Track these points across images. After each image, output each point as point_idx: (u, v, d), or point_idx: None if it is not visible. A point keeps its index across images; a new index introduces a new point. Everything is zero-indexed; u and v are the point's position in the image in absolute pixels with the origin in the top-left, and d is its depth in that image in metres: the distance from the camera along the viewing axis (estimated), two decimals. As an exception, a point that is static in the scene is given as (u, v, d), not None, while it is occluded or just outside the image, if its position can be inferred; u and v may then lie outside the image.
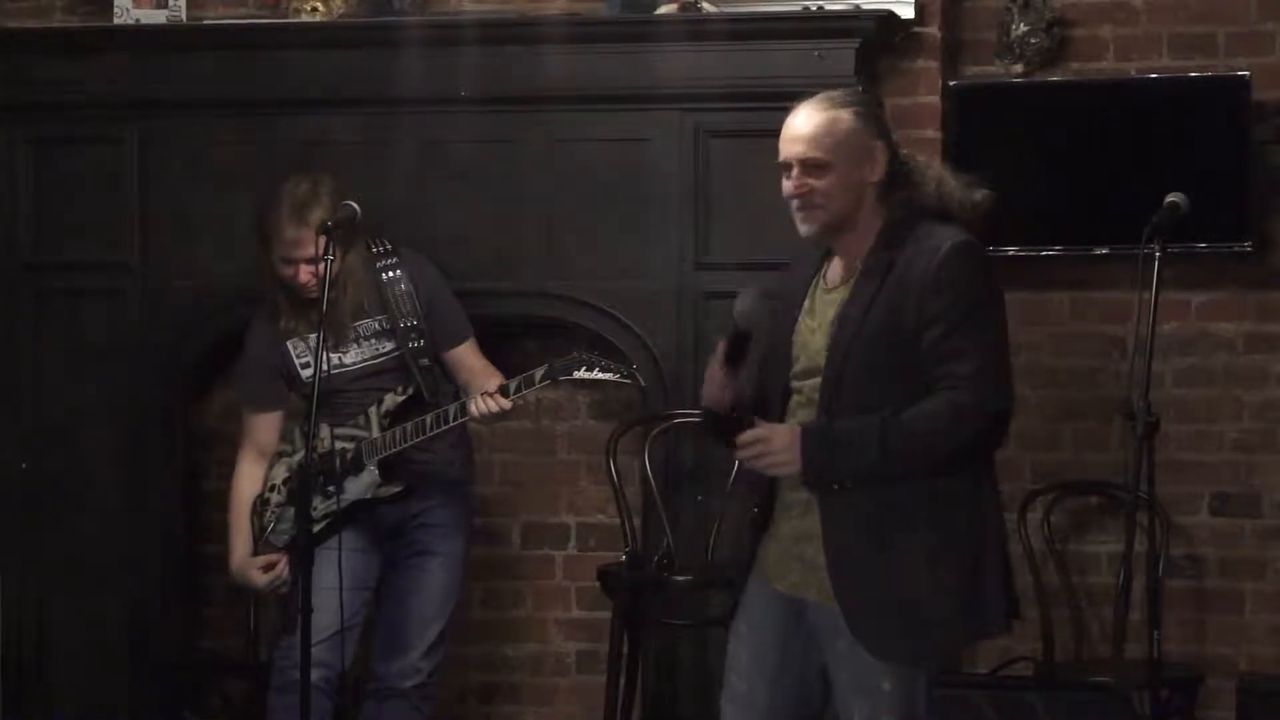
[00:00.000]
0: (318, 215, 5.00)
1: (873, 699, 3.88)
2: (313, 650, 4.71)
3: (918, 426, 3.78)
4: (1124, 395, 4.82)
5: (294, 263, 5.08)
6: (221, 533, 6.12)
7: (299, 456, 5.05)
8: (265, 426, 5.27)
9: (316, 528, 5.07)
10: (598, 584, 5.56)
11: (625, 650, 5.47)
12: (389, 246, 5.22)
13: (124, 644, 5.93)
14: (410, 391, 5.12)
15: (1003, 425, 3.87)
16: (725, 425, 3.95)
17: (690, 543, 5.54)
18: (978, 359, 3.80)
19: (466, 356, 5.24)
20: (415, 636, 5.15)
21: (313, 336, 5.01)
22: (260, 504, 5.25)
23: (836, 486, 3.84)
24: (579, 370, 4.97)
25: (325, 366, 4.81)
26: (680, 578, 5.35)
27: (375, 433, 5.10)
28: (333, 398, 5.05)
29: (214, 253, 5.86)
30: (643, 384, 5.46)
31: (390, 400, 5.12)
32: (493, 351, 5.35)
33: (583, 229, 5.69)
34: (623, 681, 5.47)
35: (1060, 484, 5.80)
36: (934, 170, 4.04)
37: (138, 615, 5.93)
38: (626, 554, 5.49)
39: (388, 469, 5.11)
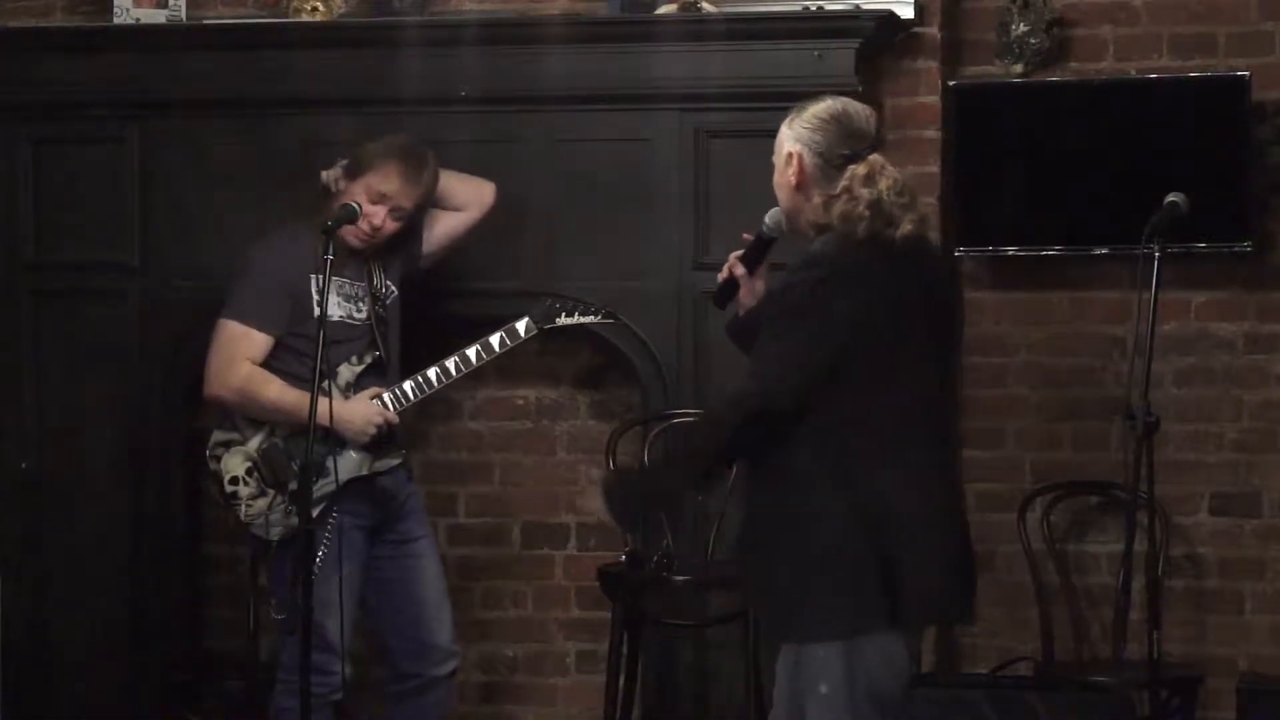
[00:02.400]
0: (424, 177, 5.14)
1: (781, 674, 4.05)
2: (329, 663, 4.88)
3: (687, 431, 4.04)
4: (1124, 395, 4.82)
5: (382, 202, 5.10)
6: (222, 533, 6.14)
7: (253, 444, 5.06)
8: (263, 347, 5.10)
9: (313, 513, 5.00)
10: (598, 584, 5.55)
11: (625, 650, 5.47)
12: None
13: (124, 644, 5.93)
14: (369, 360, 5.14)
15: (756, 415, 3.93)
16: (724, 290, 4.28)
17: (690, 543, 5.54)
18: (756, 361, 3.98)
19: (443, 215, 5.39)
20: (436, 623, 5.20)
21: (340, 278, 5.06)
22: (226, 498, 5.17)
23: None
24: (560, 317, 5.04)
25: (325, 368, 4.80)
26: (680, 578, 5.35)
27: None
28: (298, 353, 5.05)
29: (214, 253, 5.84)
30: (623, 320, 5.50)
31: (348, 371, 5.13)
32: (493, 351, 5.37)
33: (583, 229, 5.69)
34: (623, 681, 5.47)
35: (1060, 484, 5.81)
36: (854, 178, 4.00)
37: (138, 615, 5.92)
38: (626, 554, 5.49)
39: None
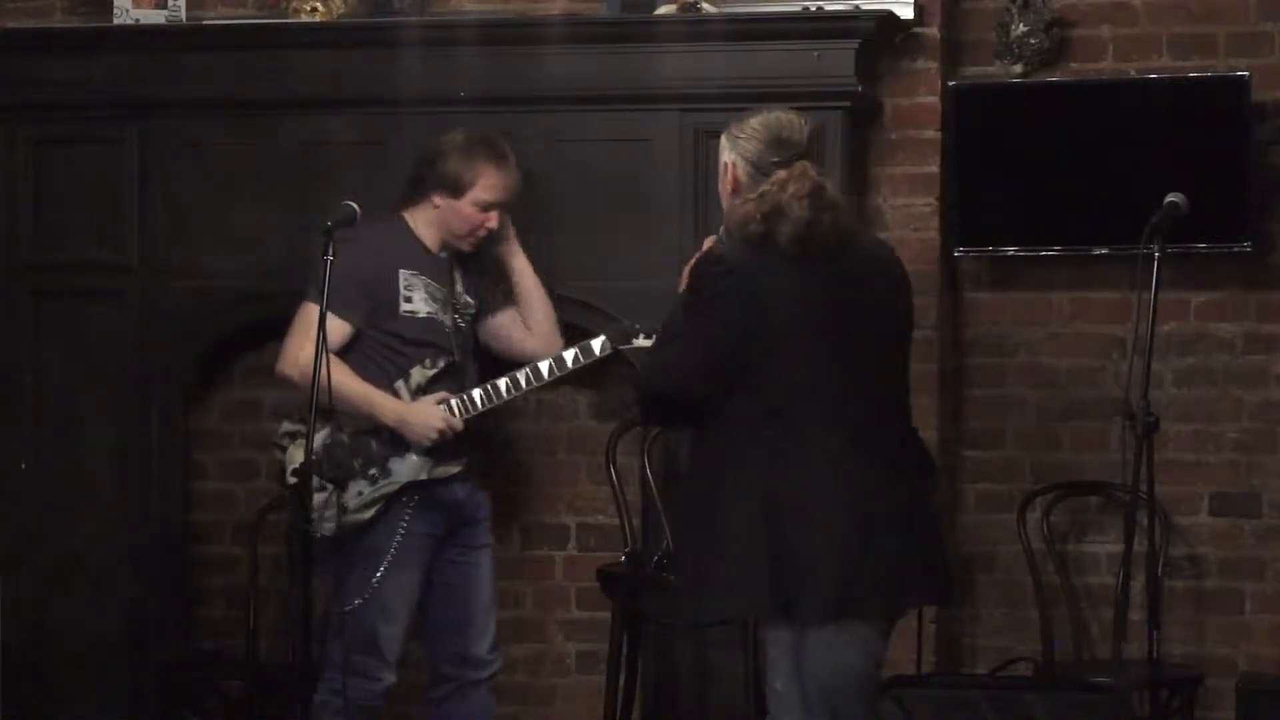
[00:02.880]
0: (513, 167, 5.14)
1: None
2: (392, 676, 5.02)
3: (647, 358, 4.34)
4: (1124, 395, 4.82)
5: (493, 206, 5.10)
6: (221, 533, 6.15)
7: (318, 438, 4.99)
8: (338, 331, 5.01)
9: (367, 514, 5.02)
10: (598, 584, 5.55)
11: (625, 650, 5.47)
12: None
13: (124, 644, 5.93)
14: (441, 364, 5.10)
15: (657, 404, 4.23)
16: None
17: (690, 543, 5.53)
18: (658, 342, 4.27)
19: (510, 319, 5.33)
20: (481, 633, 5.18)
21: (426, 279, 5.06)
22: (285, 489, 5.14)
23: None
24: (639, 339, 5.07)
25: (326, 369, 4.79)
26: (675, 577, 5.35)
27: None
28: (401, 346, 5.05)
29: (214, 253, 5.86)
30: None
31: (419, 374, 5.08)
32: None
33: (583, 229, 5.69)
34: (622, 681, 5.47)
35: (1060, 484, 5.81)
36: (774, 183, 4.13)
37: (137, 615, 5.92)
38: (626, 554, 5.49)
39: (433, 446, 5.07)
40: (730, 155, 4.22)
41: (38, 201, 5.97)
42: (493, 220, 5.12)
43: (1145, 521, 4.63)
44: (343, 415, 5.02)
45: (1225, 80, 5.64)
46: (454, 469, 5.12)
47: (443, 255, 5.17)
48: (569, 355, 5.18)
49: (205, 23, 5.99)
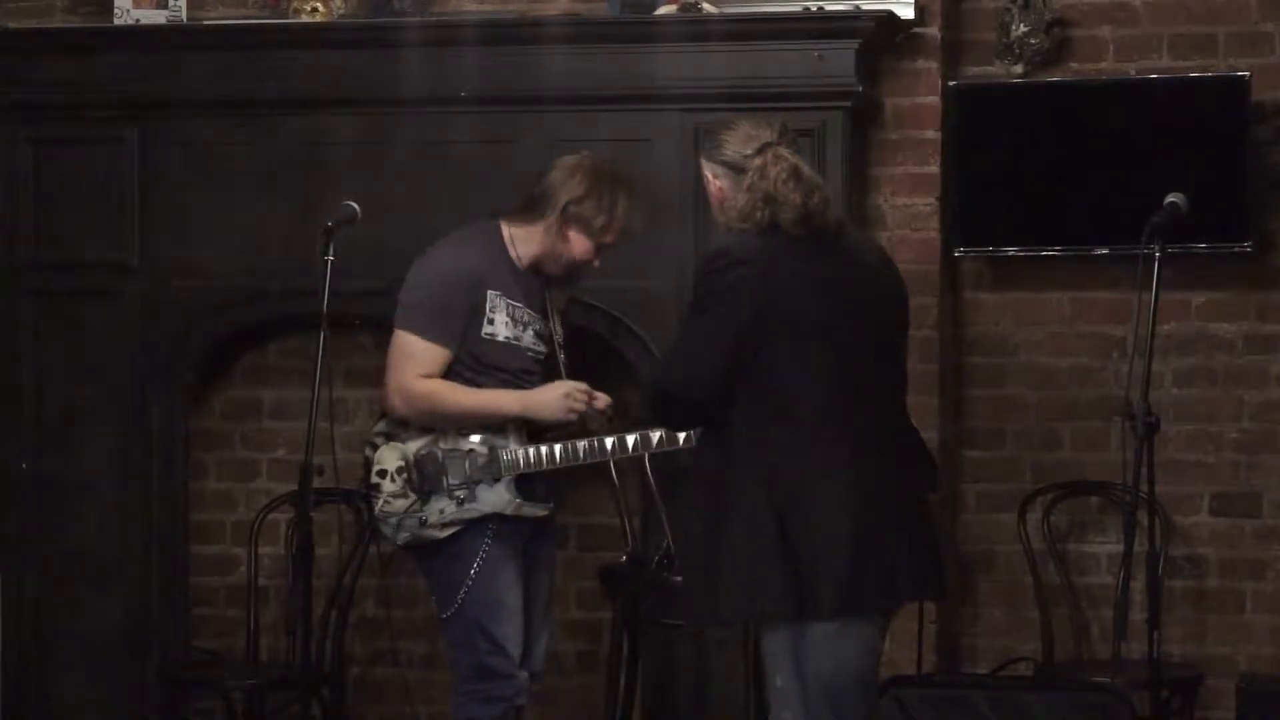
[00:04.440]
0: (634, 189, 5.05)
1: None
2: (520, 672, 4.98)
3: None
4: (1124, 395, 4.82)
5: (609, 248, 5.02)
6: (221, 533, 6.15)
7: (413, 445, 4.93)
8: (437, 359, 4.90)
9: (445, 533, 4.93)
10: (598, 584, 5.55)
11: (625, 650, 5.47)
12: None
13: (123, 644, 5.93)
14: None
15: (672, 404, 4.19)
16: None
17: (690, 543, 5.53)
18: (673, 344, 4.25)
19: None
20: (535, 640, 5.10)
21: (508, 298, 4.94)
22: (369, 486, 5.02)
23: None
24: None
25: (316, 379, 4.76)
26: (679, 578, 5.34)
27: (513, 443, 4.96)
28: (481, 369, 4.95)
29: (214, 253, 5.86)
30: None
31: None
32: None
33: (582, 229, 5.68)
34: (622, 682, 5.46)
35: (1060, 484, 5.81)
36: (753, 173, 4.16)
37: (137, 615, 5.92)
38: (626, 554, 5.49)
39: (522, 483, 4.98)
40: (709, 168, 4.27)
41: (38, 201, 5.97)
42: (599, 260, 5.04)
43: (1145, 521, 4.64)
44: (444, 432, 4.96)
45: (1225, 80, 5.64)
46: (540, 512, 5.04)
47: (533, 276, 5.04)
48: (654, 437, 4.99)
49: (206, 23, 5.99)
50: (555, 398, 4.96)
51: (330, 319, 4.83)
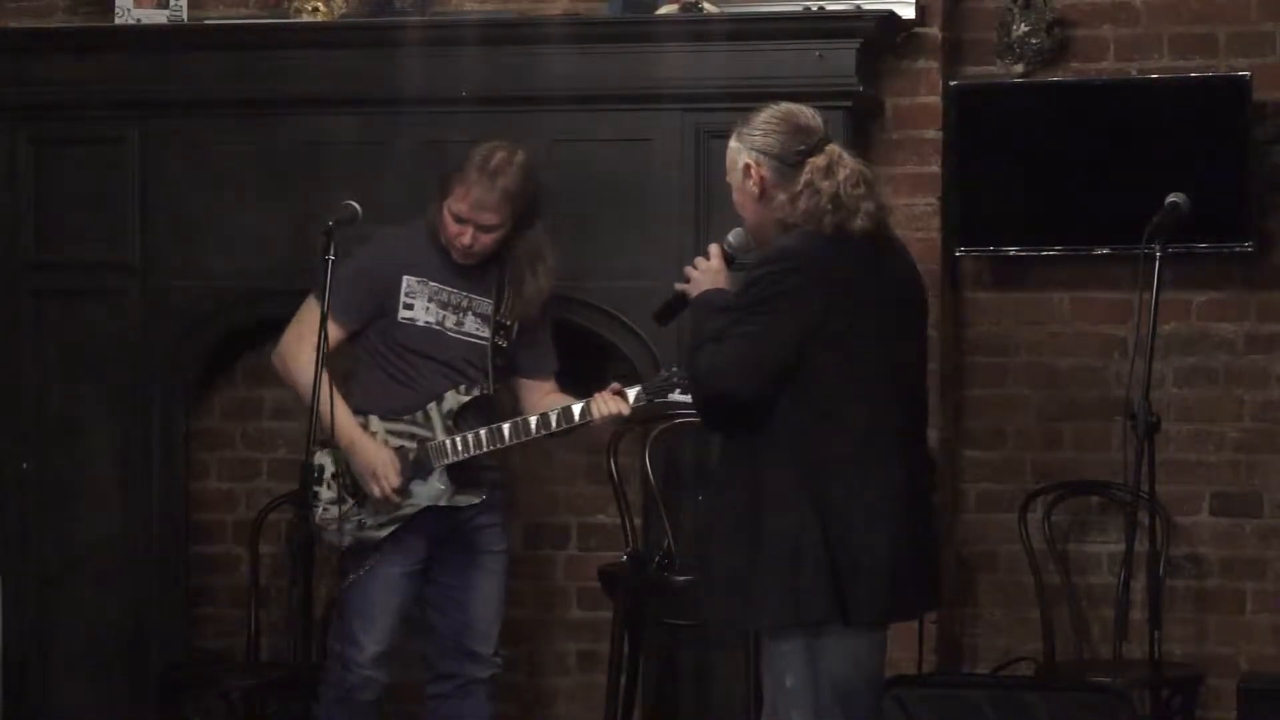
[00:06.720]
0: (504, 184, 4.98)
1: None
2: (370, 670, 5.01)
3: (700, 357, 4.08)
4: (1124, 395, 4.82)
5: (466, 223, 5.00)
6: (222, 533, 6.15)
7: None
8: (331, 332, 4.90)
9: (383, 533, 5.02)
10: (598, 584, 5.55)
11: (626, 650, 5.47)
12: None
13: (124, 644, 5.93)
14: (476, 393, 5.07)
15: (721, 404, 4.04)
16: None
17: (690, 543, 5.53)
18: (725, 343, 4.01)
19: (544, 392, 5.23)
20: (483, 638, 5.16)
21: (433, 283, 5.00)
22: (309, 496, 5.04)
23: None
24: (674, 393, 4.97)
25: (319, 368, 4.77)
26: (680, 578, 5.34)
27: (439, 434, 5.03)
28: (405, 355, 5.02)
29: (214, 253, 5.86)
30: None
31: (453, 399, 5.05)
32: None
33: (583, 229, 5.68)
34: (623, 682, 5.46)
35: (1060, 484, 5.81)
36: (814, 171, 4.06)
37: (137, 615, 5.92)
38: (627, 554, 5.49)
39: (455, 472, 5.03)
40: (749, 155, 4.11)
41: (38, 201, 5.97)
42: (466, 237, 5.01)
43: (1146, 521, 4.64)
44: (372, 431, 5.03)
45: (1226, 80, 5.64)
46: (474, 499, 5.10)
47: (476, 265, 5.08)
48: (577, 409, 5.05)
49: (206, 22, 5.99)
50: (367, 461, 4.98)
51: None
